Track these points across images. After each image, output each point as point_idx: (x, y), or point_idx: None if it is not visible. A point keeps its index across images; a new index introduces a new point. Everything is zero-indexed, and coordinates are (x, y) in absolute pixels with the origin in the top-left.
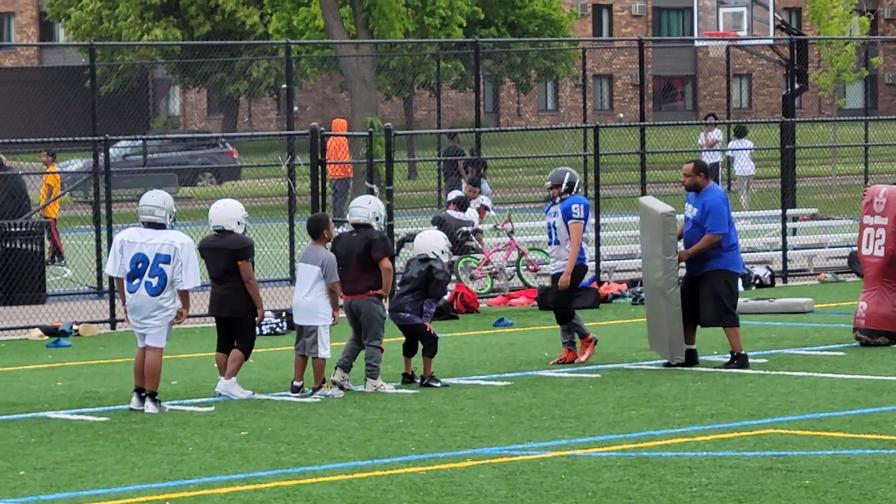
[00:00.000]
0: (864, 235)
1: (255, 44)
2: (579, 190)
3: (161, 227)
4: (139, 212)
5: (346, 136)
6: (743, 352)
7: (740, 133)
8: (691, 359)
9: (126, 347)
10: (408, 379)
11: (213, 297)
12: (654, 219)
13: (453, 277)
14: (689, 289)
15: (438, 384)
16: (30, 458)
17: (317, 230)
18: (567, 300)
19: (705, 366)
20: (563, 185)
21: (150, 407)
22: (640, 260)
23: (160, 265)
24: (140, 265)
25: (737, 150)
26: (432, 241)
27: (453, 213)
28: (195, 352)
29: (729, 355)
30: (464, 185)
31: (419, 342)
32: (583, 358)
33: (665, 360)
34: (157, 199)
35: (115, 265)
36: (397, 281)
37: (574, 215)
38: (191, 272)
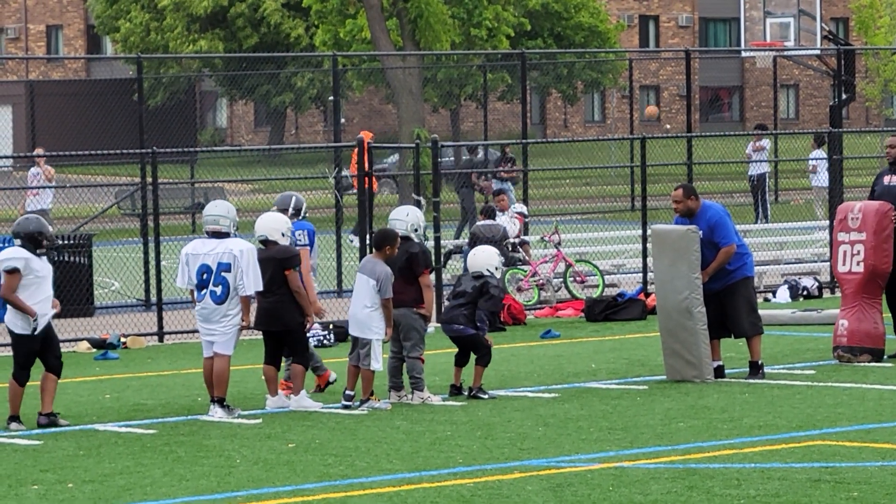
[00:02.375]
0: (840, 253)
1: (301, 56)
2: (306, 215)
3: (225, 235)
4: (203, 222)
5: (394, 147)
6: (762, 361)
7: (821, 142)
8: (719, 375)
9: (174, 360)
10: (455, 391)
11: (260, 311)
12: (675, 238)
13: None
14: (710, 304)
15: (486, 396)
16: (78, 471)
17: (380, 244)
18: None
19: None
20: (290, 210)
21: (218, 413)
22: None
23: (222, 274)
24: (205, 276)
25: (819, 159)
26: (485, 259)
27: (481, 223)
28: (242, 364)
29: (749, 367)
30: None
31: (472, 353)
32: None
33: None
34: (221, 209)
35: (184, 278)
36: (448, 293)
37: (297, 242)
38: (251, 278)
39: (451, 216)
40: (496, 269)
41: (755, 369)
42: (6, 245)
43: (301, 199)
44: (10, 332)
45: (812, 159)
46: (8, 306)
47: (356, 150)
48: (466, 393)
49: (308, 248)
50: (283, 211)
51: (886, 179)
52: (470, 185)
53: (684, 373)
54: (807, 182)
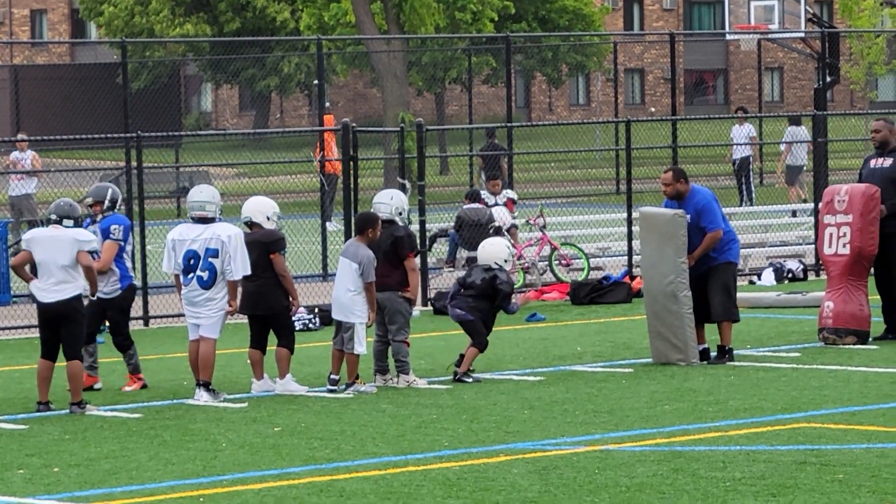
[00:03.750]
0: (826, 235)
1: (286, 40)
2: (121, 208)
3: (211, 220)
4: (189, 208)
5: (378, 132)
6: (731, 346)
7: (796, 122)
8: (704, 357)
9: (159, 344)
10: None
11: (246, 294)
12: (662, 223)
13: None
14: (694, 288)
15: (471, 380)
16: (64, 455)
17: (362, 227)
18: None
19: (740, 360)
20: (106, 203)
21: (204, 396)
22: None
23: (210, 259)
24: (192, 261)
25: (796, 142)
26: (495, 252)
27: (467, 207)
28: (227, 348)
29: (717, 350)
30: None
31: (470, 337)
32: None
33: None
34: (206, 195)
35: (170, 263)
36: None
37: (112, 236)
38: (239, 262)
39: (437, 199)
40: (505, 261)
41: (722, 353)
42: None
43: (117, 191)
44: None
45: (784, 143)
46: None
47: (327, 135)
48: (452, 376)
49: (121, 242)
50: (99, 203)
51: (873, 163)
52: (498, 168)
53: (670, 356)
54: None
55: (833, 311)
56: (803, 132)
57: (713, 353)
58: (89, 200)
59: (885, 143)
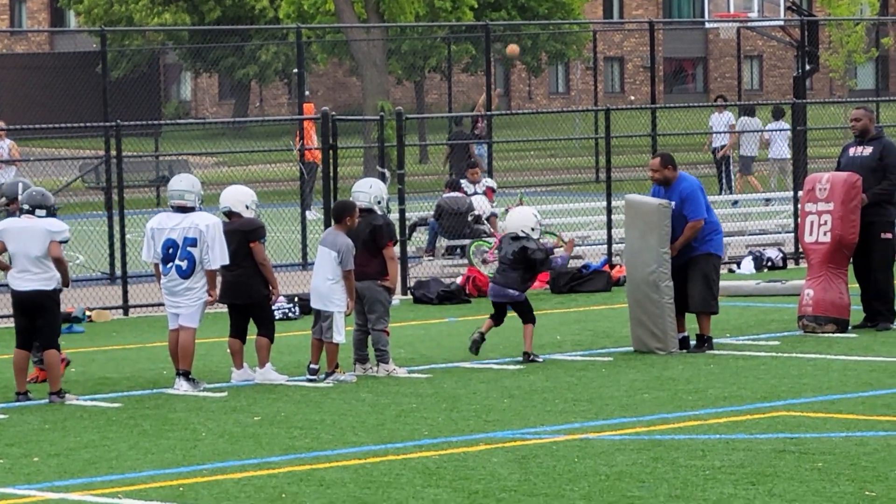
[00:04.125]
0: (807, 223)
1: (265, 28)
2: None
3: (190, 209)
4: (168, 196)
5: (358, 120)
6: (710, 335)
7: (777, 115)
8: (684, 346)
9: (139, 333)
10: (479, 341)
11: (225, 284)
12: (647, 212)
13: (465, 261)
14: (675, 277)
15: (541, 359)
16: (43, 445)
17: (340, 216)
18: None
19: (720, 348)
20: (21, 198)
21: (184, 386)
22: None
23: (188, 248)
24: (171, 250)
25: (775, 130)
26: (521, 220)
27: (447, 195)
28: (207, 337)
29: (696, 339)
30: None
31: (520, 315)
32: None
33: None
34: (185, 184)
35: (150, 252)
36: (498, 259)
37: None
38: (217, 252)
39: (416, 188)
40: (532, 229)
41: (701, 342)
42: None
43: (29, 184)
44: None
45: (769, 130)
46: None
47: (306, 123)
48: (522, 357)
49: None
50: (13, 201)
51: (852, 151)
52: (467, 157)
53: (650, 344)
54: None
55: (813, 299)
56: (756, 123)
57: (693, 342)
58: (3, 200)
59: (865, 132)
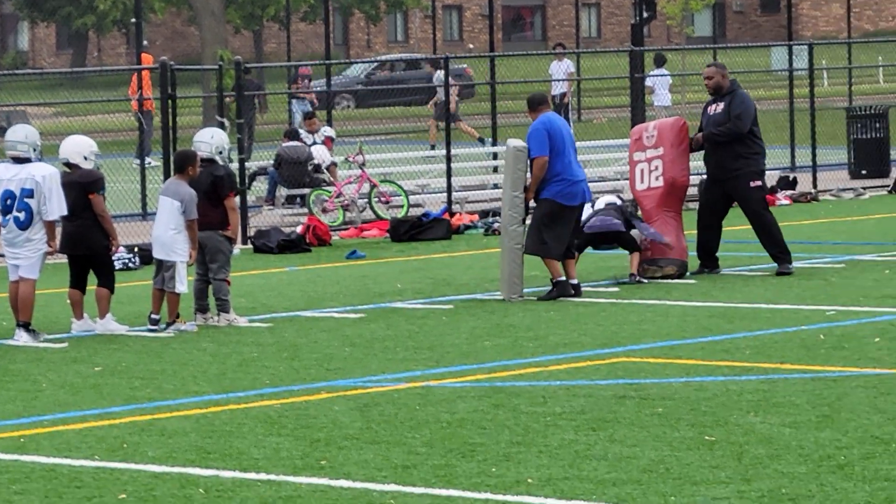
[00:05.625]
0: (637, 172)
1: None
2: None
3: (26, 161)
4: (4, 147)
5: (197, 70)
6: (562, 278)
7: (659, 62)
8: (577, 292)
9: None
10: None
11: (65, 235)
12: (508, 155)
13: (305, 210)
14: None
15: (646, 281)
16: None
17: (182, 165)
18: None
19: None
20: None
21: (23, 337)
22: (491, 191)
23: (25, 200)
24: (9, 201)
25: (656, 76)
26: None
27: (286, 145)
28: (47, 288)
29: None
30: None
31: (623, 246)
32: None
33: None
34: (19, 135)
35: None
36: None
37: None
38: (55, 202)
39: (256, 138)
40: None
41: (551, 288)
42: None
43: None
44: None
45: (651, 76)
46: None
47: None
48: (629, 279)
49: None
50: None
51: (710, 109)
52: (253, 108)
53: (501, 289)
54: (608, 100)
55: (650, 243)
56: (664, 72)
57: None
58: None
59: (718, 88)
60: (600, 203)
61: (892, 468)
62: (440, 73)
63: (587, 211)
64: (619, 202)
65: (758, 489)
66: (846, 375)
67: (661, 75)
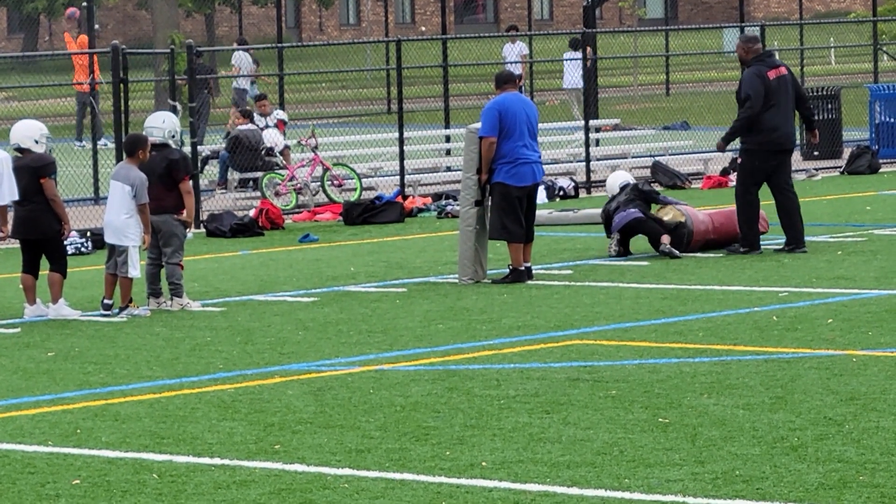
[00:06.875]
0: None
1: None
2: None
3: None
4: None
5: (148, 53)
6: (520, 267)
7: (574, 45)
8: (529, 276)
9: None
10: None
11: (17, 219)
12: (466, 137)
13: (258, 194)
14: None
15: (679, 253)
16: None
17: (132, 149)
18: None
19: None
20: None
21: None
22: (444, 173)
23: None
24: None
25: (570, 59)
26: (618, 178)
27: (241, 127)
28: (0, 273)
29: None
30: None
31: (644, 234)
32: None
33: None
34: None
35: None
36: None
37: None
38: (6, 187)
39: (209, 121)
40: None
41: (508, 273)
42: None
43: None
44: None
45: (566, 59)
46: None
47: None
48: (665, 250)
49: None
50: None
51: (773, 74)
52: (206, 89)
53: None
54: (560, 83)
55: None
56: (520, 46)
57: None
58: None
59: (741, 61)
60: (613, 185)
61: (844, 449)
62: None
63: (612, 194)
64: (632, 180)
65: (711, 471)
66: (799, 357)
67: (573, 59)
